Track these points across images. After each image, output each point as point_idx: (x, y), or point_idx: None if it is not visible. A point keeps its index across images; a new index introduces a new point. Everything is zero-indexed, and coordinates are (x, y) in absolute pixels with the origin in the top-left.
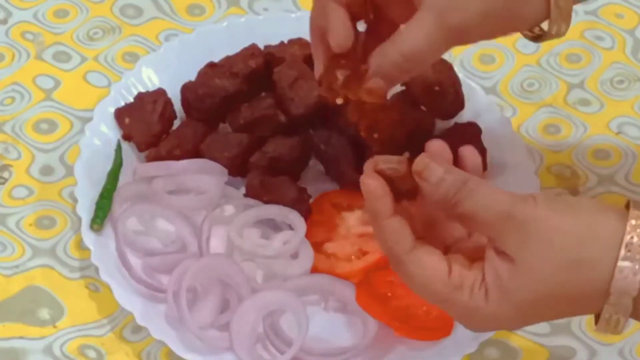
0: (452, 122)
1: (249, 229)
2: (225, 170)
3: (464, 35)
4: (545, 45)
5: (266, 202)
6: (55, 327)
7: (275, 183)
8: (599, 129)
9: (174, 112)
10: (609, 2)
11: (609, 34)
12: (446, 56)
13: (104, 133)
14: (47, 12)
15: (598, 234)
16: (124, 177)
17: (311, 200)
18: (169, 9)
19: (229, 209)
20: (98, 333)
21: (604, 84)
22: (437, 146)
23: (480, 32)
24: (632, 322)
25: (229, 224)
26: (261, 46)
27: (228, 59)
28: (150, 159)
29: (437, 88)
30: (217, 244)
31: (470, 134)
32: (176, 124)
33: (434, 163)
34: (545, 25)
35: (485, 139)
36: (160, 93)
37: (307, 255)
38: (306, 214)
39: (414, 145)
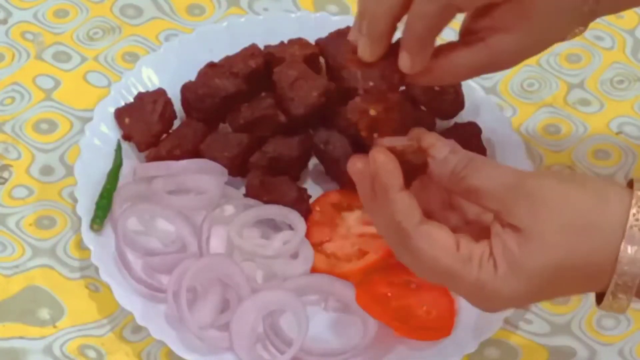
0: (452, 122)
1: (249, 229)
2: (225, 170)
3: None
4: None
5: (266, 202)
6: (55, 327)
7: (275, 183)
8: (599, 129)
9: (174, 112)
10: None
11: (609, 34)
12: None
13: (104, 133)
14: (47, 12)
15: (607, 200)
16: (124, 177)
17: (311, 200)
18: (169, 9)
19: (229, 209)
20: (98, 333)
21: (604, 84)
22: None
23: None
24: (633, 322)
25: (229, 224)
26: (261, 46)
27: (228, 59)
28: (150, 159)
29: (437, 88)
30: (217, 244)
31: (470, 133)
32: (176, 124)
33: (440, 141)
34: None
35: (485, 138)
36: (160, 93)
37: (307, 255)
38: (306, 214)
39: None
